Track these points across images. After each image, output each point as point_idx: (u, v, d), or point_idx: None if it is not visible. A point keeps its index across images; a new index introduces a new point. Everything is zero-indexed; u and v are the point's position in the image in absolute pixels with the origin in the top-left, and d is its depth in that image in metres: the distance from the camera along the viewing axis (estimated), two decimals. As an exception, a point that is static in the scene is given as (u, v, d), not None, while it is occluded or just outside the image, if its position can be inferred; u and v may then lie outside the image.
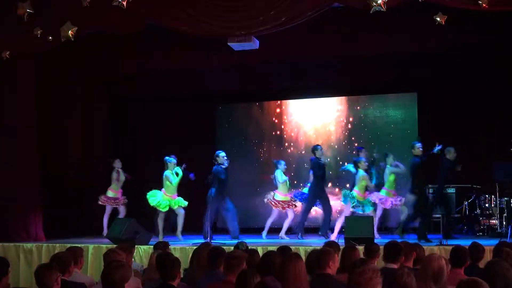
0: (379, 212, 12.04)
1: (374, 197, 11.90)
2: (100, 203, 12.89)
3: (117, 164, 12.99)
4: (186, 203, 12.08)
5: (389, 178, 11.99)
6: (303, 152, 14.89)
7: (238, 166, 13.54)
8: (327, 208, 12.24)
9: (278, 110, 15.38)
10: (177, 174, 12.08)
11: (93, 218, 14.16)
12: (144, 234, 11.04)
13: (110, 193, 12.92)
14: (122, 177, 12.98)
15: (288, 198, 12.31)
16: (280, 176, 12.19)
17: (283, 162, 12.43)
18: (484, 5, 8.72)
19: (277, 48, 12.13)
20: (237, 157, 14.13)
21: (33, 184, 12.10)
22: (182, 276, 5.92)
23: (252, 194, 14.35)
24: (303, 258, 5.44)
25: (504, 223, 11.56)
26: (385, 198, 11.93)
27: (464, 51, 12.19)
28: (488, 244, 8.34)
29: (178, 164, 12.19)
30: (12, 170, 11.91)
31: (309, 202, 12.28)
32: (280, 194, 12.19)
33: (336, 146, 14.80)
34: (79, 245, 8.33)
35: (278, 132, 15.29)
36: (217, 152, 12.41)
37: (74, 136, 14.19)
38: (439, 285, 4.46)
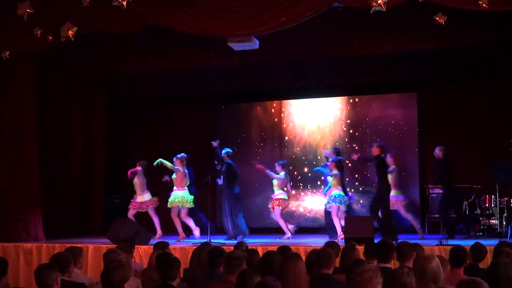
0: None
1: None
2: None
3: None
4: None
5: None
6: (303, 151, 14.91)
7: (238, 165, 13.51)
8: None
9: (278, 110, 15.37)
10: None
11: (93, 218, 14.18)
12: (144, 234, 11.04)
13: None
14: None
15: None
16: None
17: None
18: (484, 5, 8.72)
19: (277, 48, 12.13)
20: (237, 156, 14.15)
21: (33, 184, 12.09)
22: (182, 276, 5.92)
23: (252, 194, 14.40)
24: (303, 258, 5.43)
25: (504, 223, 11.56)
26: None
27: (464, 51, 12.18)
28: (488, 244, 8.35)
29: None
30: (12, 170, 11.91)
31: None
32: None
33: (336, 146, 14.77)
34: (78, 245, 8.33)
35: (278, 132, 15.27)
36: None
37: (74, 135, 14.21)
38: (438, 284, 4.46)
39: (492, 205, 12.02)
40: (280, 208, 12.30)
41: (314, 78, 14.25)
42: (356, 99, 14.87)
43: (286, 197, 12.43)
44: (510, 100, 12.89)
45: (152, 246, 8.41)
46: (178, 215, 12.09)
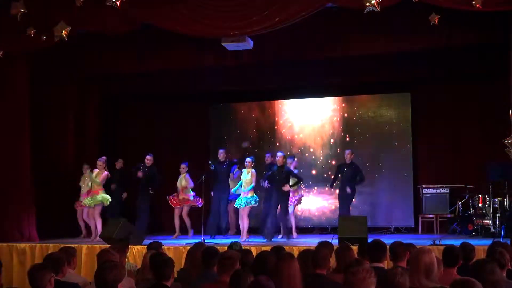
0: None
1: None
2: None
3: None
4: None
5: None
6: (297, 151, 14.92)
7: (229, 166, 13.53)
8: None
9: (273, 109, 15.38)
10: None
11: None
12: (137, 234, 11.03)
13: None
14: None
15: None
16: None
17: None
18: (477, 5, 8.75)
19: (272, 48, 12.12)
20: (228, 154, 14.17)
21: (26, 184, 12.07)
22: (175, 276, 5.91)
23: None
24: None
25: (497, 223, 11.58)
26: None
27: (458, 51, 12.20)
28: (482, 244, 8.37)
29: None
30: (5, 170, 11.88)
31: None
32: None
33: (330, 146, 14.80)
34: (72, 245, 8.32)
35: (273, 132, 15.28)
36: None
37: (67, 135, 14.15)
38: (430, 278, 4.46)
39: (486, 205, 12.04)
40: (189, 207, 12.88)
41: (308, 78, 14.23)
42: (351, 99, 14.89)
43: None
44: (504, 100, 12.90)
45: (145, 246, 8.41)
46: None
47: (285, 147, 14.99)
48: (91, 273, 8.70)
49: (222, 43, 10.99)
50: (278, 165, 12.00)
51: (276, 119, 15.30)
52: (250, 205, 11.87)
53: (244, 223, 11.88)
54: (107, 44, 12.39)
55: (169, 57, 12.79)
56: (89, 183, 12.58)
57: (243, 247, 7.92)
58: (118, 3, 9.32)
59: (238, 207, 12.02)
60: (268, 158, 12.98)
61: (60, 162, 13.91)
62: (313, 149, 14.88)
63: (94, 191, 12.45)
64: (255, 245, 10.08)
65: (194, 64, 12.96)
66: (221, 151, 13.23)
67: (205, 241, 9.98)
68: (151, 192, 13.01)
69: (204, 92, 15.11)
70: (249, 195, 11.84)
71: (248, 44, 11.01)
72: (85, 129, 14.71)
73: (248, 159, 12.07)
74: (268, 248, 6.89)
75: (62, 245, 8.25)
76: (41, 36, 10.39)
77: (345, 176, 12.57)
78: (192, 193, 12.83)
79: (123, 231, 10.74)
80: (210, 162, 12.49)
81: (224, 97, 15.65)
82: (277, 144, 15.15)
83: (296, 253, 7.89)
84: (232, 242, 8.22)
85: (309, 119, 15.04)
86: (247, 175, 11.90)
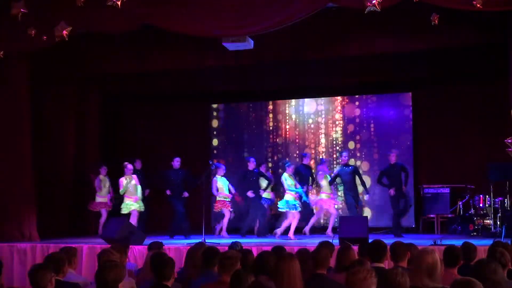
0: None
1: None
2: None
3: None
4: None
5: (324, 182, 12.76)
6: (298, 151, 14.92)
7: (234, 166, 13.53)
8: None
9: (273, 110, 15.38)
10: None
11: (88, 218, 14.15)
12: (138, 234, 11.03)
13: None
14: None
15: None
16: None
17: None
18: (478, 5, 8.73)
19: (272, 48, 12.12)
20: (232, 157, 14.18)
21: (27, 184, 12.06)
22: (176, 276, 5.91)
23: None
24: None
25: (498, 223, 11.58)
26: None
27: (459, 51, 12.20)
28: (482, 244, 8.37)
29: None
30: (6, 170, 11.87)
31: None
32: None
33: (330, 146, 14.80)
34: (73, 245, 8.31)
35: (273, 132, 15.28)
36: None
37: (68, 135, 14.16)
38: (433, 279, 4.46)
39: (486, 205, 12.04)
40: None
41: (309, 78, 14.25)
42: (350, 99, 14.88)
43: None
44: (505, 100, 12.90)
45: (146, 246, 8.41)
46: None
47: (284, 147, 15.01)
48: (92, 273, 8.70)
49: (222, 43, 10.99)
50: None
51: (276, 118, 15.29)
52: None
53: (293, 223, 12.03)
54: (107, 44, 12.39)
55: (169, 57, 12.79)
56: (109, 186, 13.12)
57: (243, 247, 7.92)
58: (119, 3, 9.29)
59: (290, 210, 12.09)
60: (344, 158, 12.98)
61: (60, 162, 13.91)
62: (313, 148, 14.87)
63: (136, 197, 12.50)
64: (256, 245, 10.08)
65: (194, 64, 12.95)
66: (252, 159, 13.19)
67: (206, 241, 9.99)
68: (185, 195, 12.91)
69: (204, 92, 15.12)
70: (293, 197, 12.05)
71: (249, 44, 11.00)
72: (85, 129, 14.72)
73: (288, 165, 12.22)
74: (269, 248, 6.88)
75: (63, 245, 8.25)
76: (41, 36, 10.36)
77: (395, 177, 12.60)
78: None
79: (124, 231, 10.73)
80: (210, 162, 12.48)
81: (224, 97, 15.65)
82: (277, 141, 15.17)
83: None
84: (232, 242, 8.21)
85: (309, 119, 15.04)
86: (290, 180, 12.03)
